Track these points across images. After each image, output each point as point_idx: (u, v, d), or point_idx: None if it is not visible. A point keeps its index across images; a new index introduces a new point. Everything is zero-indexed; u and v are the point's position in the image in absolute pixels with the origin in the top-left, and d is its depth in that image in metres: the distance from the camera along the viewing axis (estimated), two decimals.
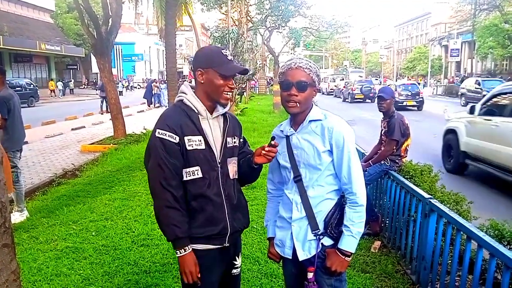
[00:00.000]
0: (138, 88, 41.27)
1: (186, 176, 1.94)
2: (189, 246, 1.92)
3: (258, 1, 30.52)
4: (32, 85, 26.90)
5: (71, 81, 40.39)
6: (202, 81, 1.98)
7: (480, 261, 2.56)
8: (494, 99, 7.14)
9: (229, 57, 1.98)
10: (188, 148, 1.93)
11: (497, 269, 2.66)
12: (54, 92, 35.31)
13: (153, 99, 25.86)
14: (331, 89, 38.90)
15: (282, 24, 31.94)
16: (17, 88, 22.31)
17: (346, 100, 29.21)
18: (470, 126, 7.40)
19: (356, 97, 27.80)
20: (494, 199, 6.30)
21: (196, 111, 1.98)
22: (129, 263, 3.82)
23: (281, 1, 28.90)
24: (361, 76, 42.12)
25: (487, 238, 2.52)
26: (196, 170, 1.94)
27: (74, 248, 4.17)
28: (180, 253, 1.92)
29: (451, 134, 8.00)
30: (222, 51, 1.98)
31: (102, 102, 20.67)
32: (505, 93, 6.86)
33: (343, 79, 39.86)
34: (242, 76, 14.18)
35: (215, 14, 30.55)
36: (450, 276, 2.97)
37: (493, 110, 6.96)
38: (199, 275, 1.94)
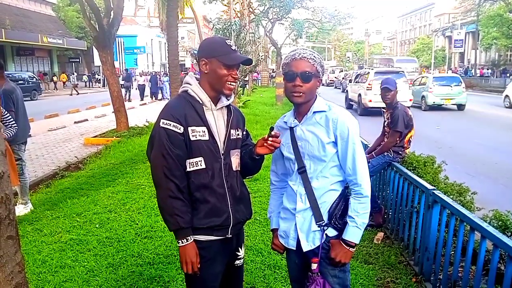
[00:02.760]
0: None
1: (189, 167, 1.94)
2: (191, 237, 1.93)
3: None
4: (34, 79, 26.90)
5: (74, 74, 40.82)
6: (206, 71, 1.97)
7: (483, 252, 2.56)
8: (357, 76, 18.60)
9: (233, 47, 1.97)
10: (192, 138, 1.92)
11: (500, 260, 2.66)
12: (65, 84, 36.52)
13: (148, 92, 25.58)
14: (331, 80, 39.05)
15: (284, 15, 31.81)
16: (19, 82, 22.34)
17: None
18: (351, 87, 18.48)
19: None
20: (498, 190, 6.29)
21: (201, 102, 1.97)
22: (132, 255, 3.84)
23: None
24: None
25: (490, 229, 2.51)
26: (199, 161, 1.94)
27: (78, 240, 4.19)
28: (182, 243, 1.92)
29: (346, 93, 19.75)
30: (226, 41, 1.98)
31: (126, 92, 23.18)
32: (358, 74, 18.83)
33: (342, 71, 39.75)
34: (245, 68, 14.13)
35: (217, 6, 30.41)
36: (453, 267, 2.97)
37: (356, 80, 18.04)
38: (199, 266, 1.95)
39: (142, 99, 24.21)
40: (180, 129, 1.90)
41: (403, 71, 17.20)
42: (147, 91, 25.62)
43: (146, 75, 29.73)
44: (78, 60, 42.15)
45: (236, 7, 26.71)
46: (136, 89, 25.10)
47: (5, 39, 27.12)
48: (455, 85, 17.21)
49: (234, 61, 1.95)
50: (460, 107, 17.31)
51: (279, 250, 2.17)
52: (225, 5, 28.69)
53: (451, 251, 3.09)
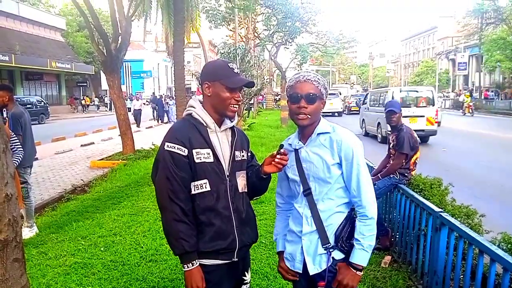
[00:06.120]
0: (146, 105, 41.67)
1: (194, 190, 1.94)
2: (196, 261, 1.91)
3: (265, 18, 30.86)
4: (42, 103, 27.25)
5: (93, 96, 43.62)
6: (209, 94, 2.00)
7: (493, 276, 2.51)
8: None
9: (236, 70, 2.00)
10: (197, 161, 1.93)
11: (511, 284, 2.61)
12: (88, 107, 39.80)
13: (154, 115, 25.64)
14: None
15: (289, 40, 32.22)
16: (27, 106, 22.64)
17: (344, 112, 31.88)
18: None
19: (352, 109, 31.23)
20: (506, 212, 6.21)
21: (205, 124, 1.99)
22: (137, 279, 3.80)
23: (288, 18, 29.19)
24: None
25: (500, 252, 2.48)
26: (204, 183, 1.94)
27: (82, 264, 4.17)
28: (188, 267, 1.90)
29: None
30: (229, 64, 2.00)
31: (153, 112, 25.81)
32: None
33: (341, 93, 40.48)
34: (250, 91, 14.25)
35: (222, 31, 30.98)
36: None
37: None
38: None
39: (138, 126, 21.64)
40: (185, 152, 1.91)
41: (338, 93, 31.43)
42: (144, 115, 24.26)
43: (155, 98, 29.22)
44: (85, 84, 42.83)
45: (241, 32, 27.15)
46: (131, 114, 21.45)
47: (15, 64, 27.63)
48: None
49: (237, 84, 1.98)
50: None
51: (285, 274, 2.12)
52: (230, 30, 29.18)
53: (460, 275, 3.04)
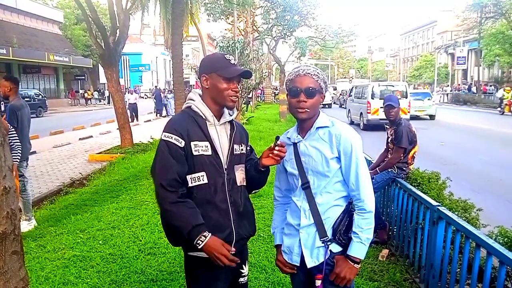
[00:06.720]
0: (145, 98, 41.65)
1: (192, 182, 1.94)
2: (207, 232, 1.86)
3: (264, 11, 30.75)
4: (40, 96, 27.16)
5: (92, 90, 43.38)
6: (207, 87, 2.01)
7: (489, 269, 2.53)
8: None
9: (232, 61, 2.00)
10: (195, 153, 1.93)
11: (507, 277, 2.63)
12: (90, 100, 40.32)
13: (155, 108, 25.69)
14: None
15: (288, 33, 32.14)
16: (25, 99, 22.56)
17: (342, 106, 32.15)
18: None
19: None
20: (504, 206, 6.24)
21: (204, 117, 1.99)
22: (136, 272, 3.82)
23: (287, 11, 29.10)
24: None
25: (496, 246, 2.49)
26: (201, 175, 1.94)
27: (81, 257, 4.18)
28: (202, 241, 1.84)
29: None
30: (226, 56, 2.01)
31: (155, 105, 25.50)
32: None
33: (335, 89, 40.61)
34: (248, 85, 14.23)
35: (221, 24, 30.88)
36: (459, 285, 2.94)
37: None
38: (232, 252, 1.88)
39: (136, 120, 21.01)
40: (182, 143, 1.92)
41: (332, 87, 34.32)
42: (141, 108, 23.60)
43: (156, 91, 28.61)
44: (83, 77, 42.65)
45: (240, 25, 27.07)
46: (127, 109, 19.54)
47: (12, 57, 27.50)
48: (427, 99, 20.92)
49: (233, 73, 1.98)
50: (431, 117, 20.75)
51: (283, 267, 2.13)
52: (229, 23, 29.08)
53: (457, 268, 3.06)
